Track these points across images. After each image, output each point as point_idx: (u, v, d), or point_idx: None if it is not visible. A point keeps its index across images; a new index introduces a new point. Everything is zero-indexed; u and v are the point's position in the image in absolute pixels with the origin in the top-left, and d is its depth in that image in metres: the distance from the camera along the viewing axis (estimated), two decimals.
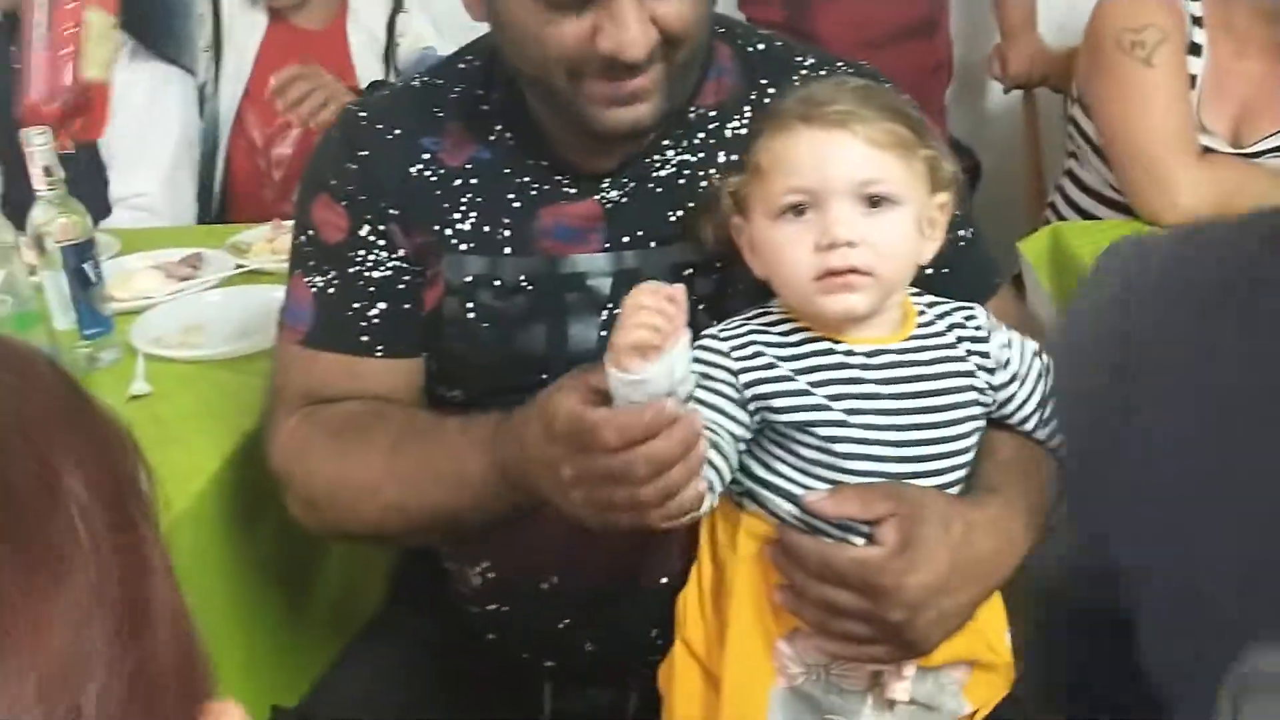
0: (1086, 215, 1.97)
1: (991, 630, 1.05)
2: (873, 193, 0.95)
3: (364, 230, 1.12)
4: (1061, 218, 2.02)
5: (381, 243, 1.12)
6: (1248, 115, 1.84)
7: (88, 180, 2.05)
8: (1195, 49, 1.81)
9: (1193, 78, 1.81)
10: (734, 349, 0.98)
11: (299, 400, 1.14)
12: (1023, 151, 2.37)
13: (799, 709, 0.98)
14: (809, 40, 2.21)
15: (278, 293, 1.67)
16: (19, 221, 1.51)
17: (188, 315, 1.67)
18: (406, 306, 1.13)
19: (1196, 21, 1.81)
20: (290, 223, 1.92)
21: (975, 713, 1.05)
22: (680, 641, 1.03)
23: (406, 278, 1.12)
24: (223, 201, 2.34)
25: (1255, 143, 1.83)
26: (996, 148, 2.47)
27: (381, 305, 1.13)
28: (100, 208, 2.16)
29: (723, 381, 0.98)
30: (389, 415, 1.09)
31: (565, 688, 1.15)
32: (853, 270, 0.94)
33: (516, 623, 1.13)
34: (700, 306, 1.08)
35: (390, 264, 1.12)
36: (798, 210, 0.96)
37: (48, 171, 1.46)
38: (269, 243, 1.90)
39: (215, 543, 1.28)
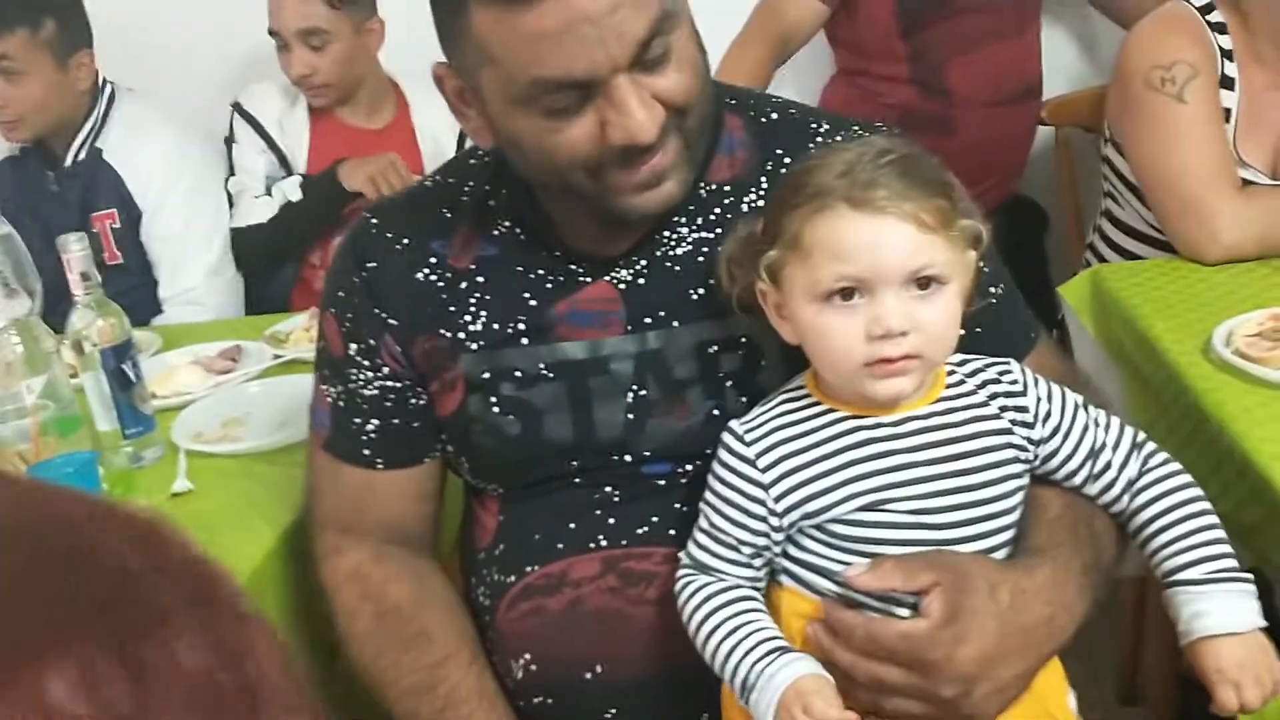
0: (1127, 255, 1.93)
1: (1052, 697, 1.01)
2: (923, 276, 0.93)
3: (353, 349, 1.15)
4: (1101, 258, 1.99)
5: (366, 363, 1.15)
6: None
7: (140, 284, 2.09)
8: (1228, 82, 1.78)
9: (1227, 111, 1.77)
10: (760, 454, 0.98)
11: (338, 520, 1.21)
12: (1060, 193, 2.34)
13: None
14: (942, 96, 2.23)
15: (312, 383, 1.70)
16: (58, 326, 1.54)
17: (227, 409, 1.68)
18: (395, 422, 1.16)
19: (1227, 55, 1.78)
20: None
21: None
22: None
23: (392, 396, 1.15)
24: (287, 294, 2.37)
25: None
26: (1038, 189, 2.45)
27: (375, 421, 1.16)
28: (152, 308, 2.21)
29: (753, 499, 0.97)
30: (432, 631, 1.15)
31: None
32: (905, 356, 0.93)
33: (562, 714, 1.11)
34: (729, 384, 1.07)
35: (376, 383, 1.15)
36: (845, 294, 0.94)
37: (85, 277, 1.48)
38: (306, 331, 1.91)
39: None
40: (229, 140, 2.36)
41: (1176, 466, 1.01)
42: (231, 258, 2.28)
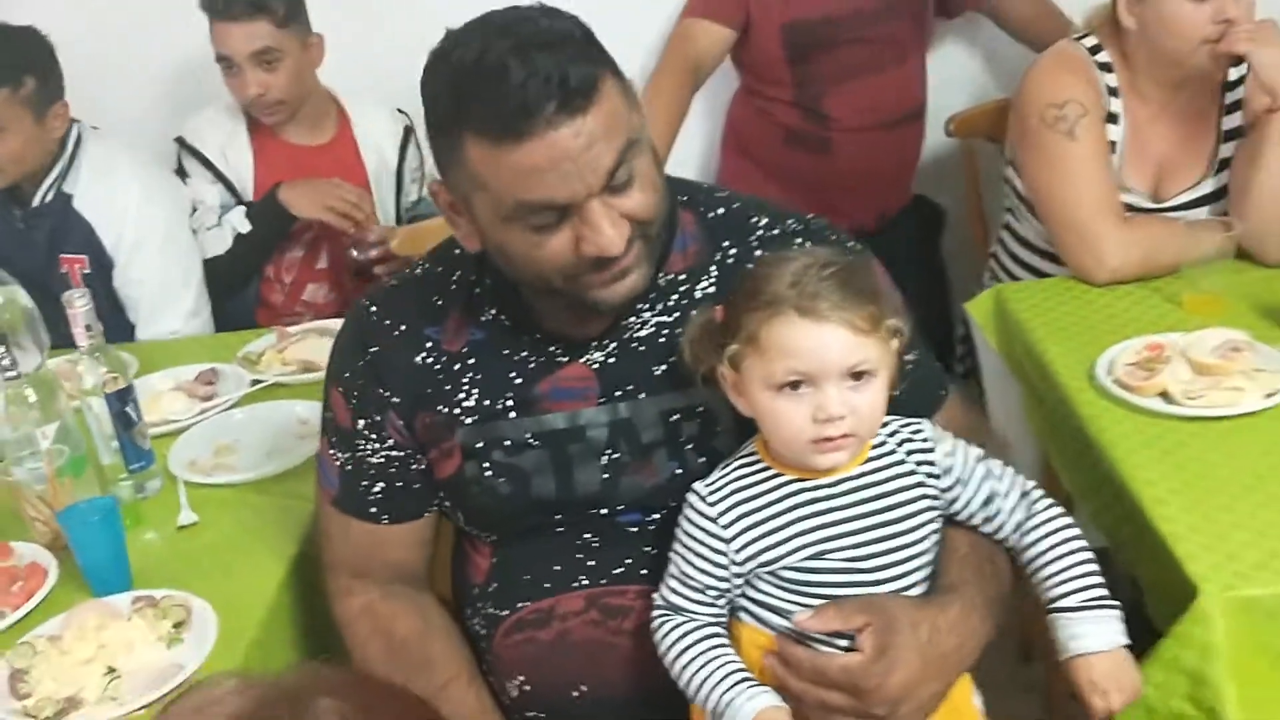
0: (1026, 266, 2.14)
1: (960, 699, 1.23)
2: (857, 370, 1.13)
3: (361, 424, 1.31)
4: (1004, 266, 2.20)
5: (374, 435, 1.31)
6: (1165, 172, 2.02)
7: (109, 324, 2.17)
8: (1113, 117, 1.98)
9: (1113, 143, 1.98)
10: (721, 514, 1.17)
11: (349, 565, 1.38)
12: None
13: None
14: (821, 120, 2.40)
15: (296, 408, 1.87)
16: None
17: (217, 436, 1.83)
18: (399, 485, 1.33)
19: (1113, 91, 1.98)
20: (296, 328, 2.11)
21: None
22: None
23: (396, 463, 1.32)
24: (251, 311, 2.48)
25: (1173, 196, 2.01)
26: (951, 192, 2.65)
27: (381, 485, 1.33)
28: (123, 338, 2.28)
29: (716, 552, 1.17)
30: (435, 657, 1.33)
31: None
32: (843, 435, 1.13)
33: None
34: (689, 447, 1.26)
35: (382, 453, 1.32)
36: (794, 385, 1.13)
37: (89, 328, 1.61)
38: (279, 353, 2.06)
39: (274, 661, 1.44)
40: (180, 174, 2.43)
41: (1058, 510, 1.22)
42: (207, 294, 2.36)
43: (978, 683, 1.25)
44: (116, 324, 2.20)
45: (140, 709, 1.27)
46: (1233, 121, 1.98)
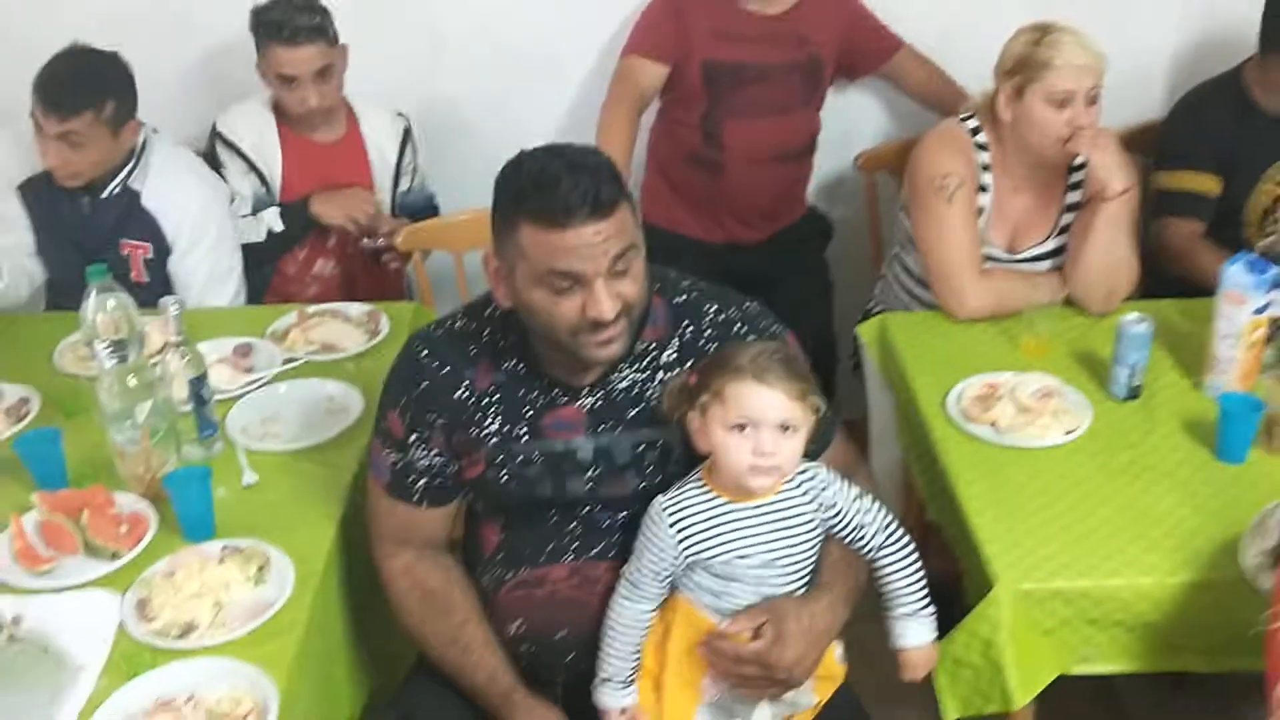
0: (910, 293, 2.67)
1: (829, 658, 1.77)
2: (786, 424, 1.64)
3: (413, 437, 1.80)
4: (892, 289, 2.74)
5: (422, 445, 1.79)
6: (1020, 231, 2.55)
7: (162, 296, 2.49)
8: (984, 187, 2.51)
9: (982, 208, 2.51)
10: (674, 521, 1.68)
11: (393, 536, 1.86)
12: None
13: (716, 715, 1.71)
14: (718, 148, 2.86)
15: (326, 387, 2.32)
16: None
17: (263, 408, 2.28)
18: (438, 481, 1.81)
19: (986, 167, 2.50)
20: (313, 308, 2.57)
21: (819, 702, 1.78)
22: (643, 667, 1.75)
23: (437, 465, 1.80)
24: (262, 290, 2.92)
25: (1024, 250, 2.55)
26: (848, 205, 3.16)
27: (424, 480, 1.82)
28: None
29: (667, 548, 1.69)
30: (455, 604, 1.83)
31: (572, 693, 1.84)
32: (773, 468, 1.65)
33: (541, 658, 1.82)
34: (649, 468, 1.77)
35: (428, 458, 1.80)
36: (742, 428, 1.64)
37: (178, 330, 2.07)
38: (303, 331, 2.51)
39: (334, 603, 1.93)
40: (211, 160, 2.83)
41: (906, 540, 1.75)
42: (244, 288, 2.78)
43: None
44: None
45: (246, 633, 1.75)
46: (1073, 197, 2.52)
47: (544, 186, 1.58)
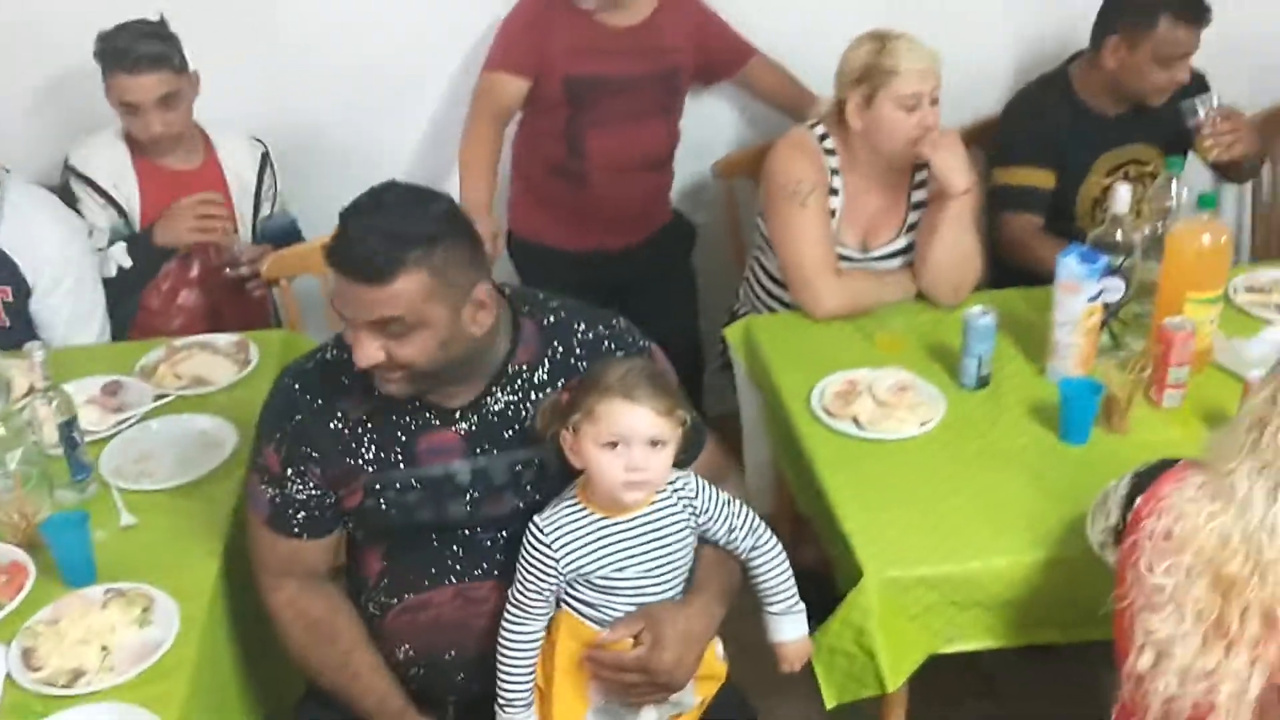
0: (771, 294, 2.77)
1: (709, 656, 1.85)
2: (655, 440, 1.70)
3: (289, 471, 1.82)
4: (753, 291, 2.83)
5: (298, 479, 1.82)
6: (871, 231, 2.66)
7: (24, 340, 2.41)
8: (835, 190, 2.61)
9: (834, 210, 2.61)
10: (554, 541, 1.74)
11: (275, 568, 1.88)
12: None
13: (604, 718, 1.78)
14: (581, 157, 2.91)
15: (198, 422, 2.32)
16: None
17: (136, 446, 2.27)
18: (316, 513, 1.84)
19: (835, 171, 2.61)
20: (181, 341, 2.55)
21: (702, 700, 1.86)
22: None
23: (315, 498, 1.82)
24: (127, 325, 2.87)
25: (877, 248, 2.66)
26: (710, 210, 3.26)
27: (303, 513, 1.84)
28: None
29: (550, 567, 1.74)
30: (341, 631, 1.86)
31: (463, 712, 1.89)
32: (645, 482, 1.71)
33: (431, 680, 1.86)
34: (527, 487, 1.82)
35: (304, 492, 1.82)
36: (613, 445, 1.70)
37: (45, 375, 2.06)
38: (171, 366, 2.50)
39: (221, 639, 1.95)
40: (65, 195, 2.78)
41: (773, 541, 1.84)
42: (108, 326, 2.74)
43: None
44: (30, 338, 2.57)
45: (135, 675, 1.76)
46: (919, 195, 2.64)
47: (340, 237, 1.66)
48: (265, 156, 2.95)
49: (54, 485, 2.11)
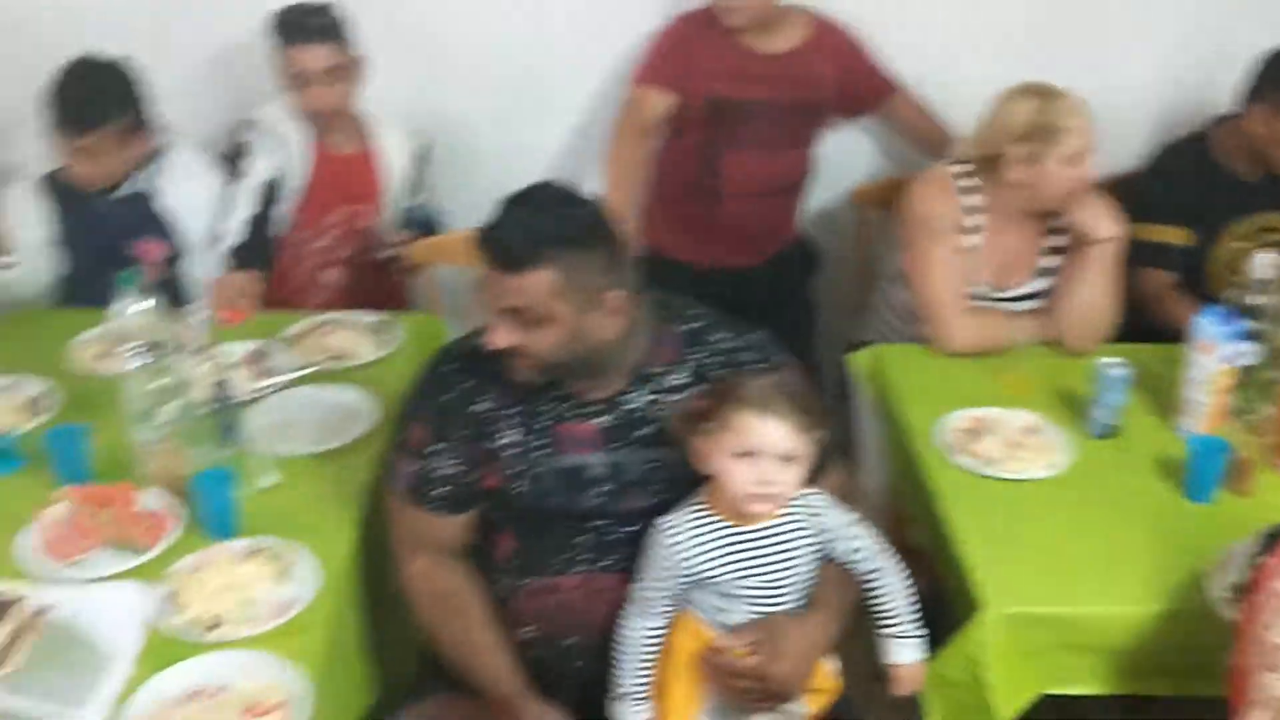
0: (894, 329, 2.80)
1: (821, 671, 1.89)
2: (787, 455, 1.75)
3: (435, 447, 1.89)
4: (884, 320, 2.86)
5: (443, 455, 1.89)
6: (1005, 272, 2.68)
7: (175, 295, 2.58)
8: (971, 230, 2.63)
9: (974, 247, 2.63)
10: (677, 542, 1.79)
11: (411, 540, 1.95)
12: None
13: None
14: (716, 176, 2.97)
15: (340, 395, 2.40)
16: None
17: (280, 412, 2.36)
18: (456, 490, 1.91)
19: (975, 209, 2.63)
20: (323, 317, 2.65)
21: (812, 713, 1.89)
22: None
23: (456, 475, 1.89)
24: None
25: (1010, 288, 2.68)
26: (838, 234, 3.29)
27: (443, 488, 1.91)
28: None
29: (671, 567, 1.79)
30: (468, 607, 1.91)
31: (579, 700, 1.92)
32: (773, 496, 1.75)
33: (551, 663, 1.92)
34: (655, 486, 1.87)
35: (447, 468, 1.89)
36: (746, 455, 1.74)
37: (203, 333, 2.16)
38: (317, 338, 2.60)
39: (353, 602, 2.02)
40: (238, 152, 2.89)
41: (895, 565, 1.87)
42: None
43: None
44: (182, 297, 2.69)
45: (274, 627, 1.83)
46: (1053, 240, 2.65)
47: (491, 224, 1.75)
48: (423, 149, 3.05)
49: (203, 442, 2.20)
